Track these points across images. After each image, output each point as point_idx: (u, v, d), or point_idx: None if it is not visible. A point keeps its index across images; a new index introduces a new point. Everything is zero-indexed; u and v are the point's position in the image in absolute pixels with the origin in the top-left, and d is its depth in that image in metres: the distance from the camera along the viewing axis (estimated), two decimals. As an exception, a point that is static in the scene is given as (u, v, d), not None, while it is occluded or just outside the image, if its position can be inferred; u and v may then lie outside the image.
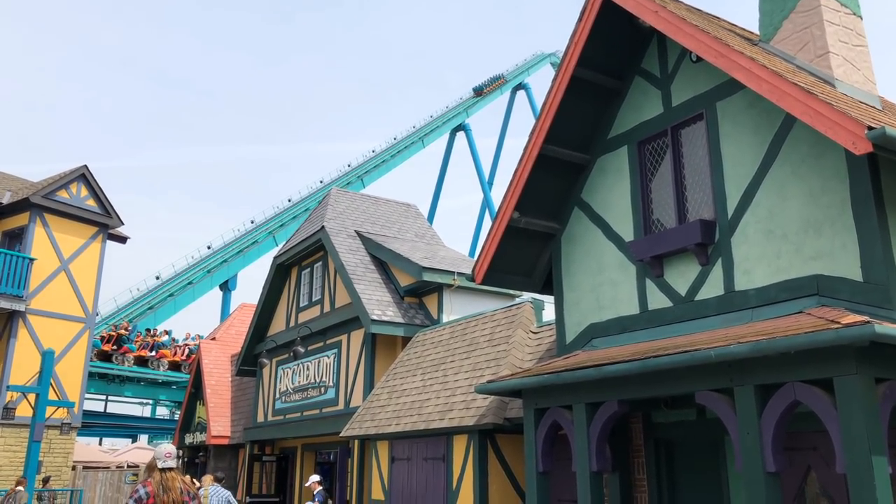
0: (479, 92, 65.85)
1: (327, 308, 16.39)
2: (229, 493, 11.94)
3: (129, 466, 28.17)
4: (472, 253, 55.78)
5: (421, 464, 10.90)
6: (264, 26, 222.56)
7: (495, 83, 66.36)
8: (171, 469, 5.79)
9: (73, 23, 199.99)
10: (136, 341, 35.28)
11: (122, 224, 21.41)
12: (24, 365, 18.28)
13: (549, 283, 9.45)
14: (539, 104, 17.85)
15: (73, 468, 21.24)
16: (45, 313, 19.30)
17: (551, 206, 9.01)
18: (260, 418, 18.77)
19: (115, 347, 34.01)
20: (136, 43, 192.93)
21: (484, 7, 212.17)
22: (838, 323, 5.00)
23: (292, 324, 17.87)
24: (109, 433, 42.01)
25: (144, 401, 41.04)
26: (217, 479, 12.36)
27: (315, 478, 12.76)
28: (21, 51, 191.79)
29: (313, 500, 12.46)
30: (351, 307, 14.86)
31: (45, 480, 15.92)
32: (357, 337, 14.93)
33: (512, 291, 14.46)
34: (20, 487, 13.66)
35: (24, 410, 17.21)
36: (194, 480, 13.02)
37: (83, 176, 20.48)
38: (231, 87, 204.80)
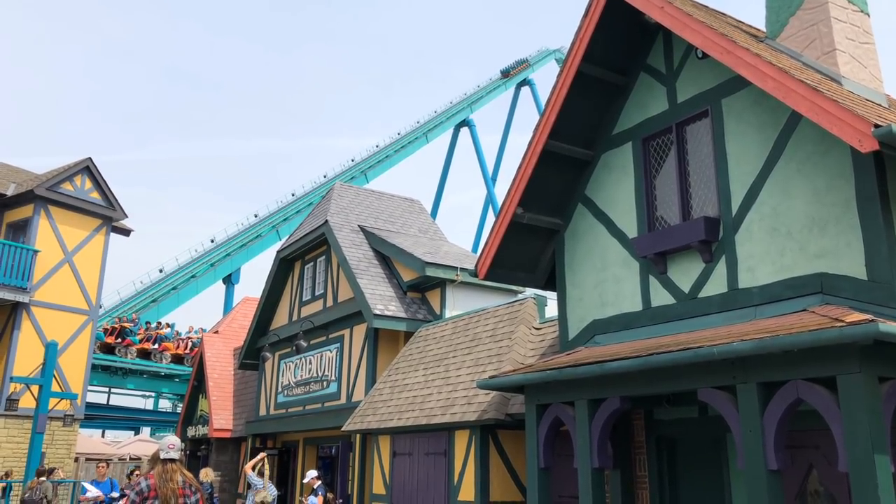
0: (507, 74, 68.52)
1: (330, 302, 16.40)
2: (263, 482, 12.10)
3: (131, 459, 28.24)
4: (475, 249, 55.77)
5: (422, 458, 10.92)
6: (272, 19, 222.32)
7: (521, 66, 69.15)
8: (173, 460, 5.81)
9: (81, 15, 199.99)
10: (140, 334, 35.35)
11: (126, 217, 21.44)
12: (27, 356, 18.33)
13: (552, 279, 9.45)
14: (543, 100, 17.82)
15: (76, 460, 21.29)
16: (48, 305, 19.34)
17: (555, 202, 9.00)
18: (262, 412, 18.81)
19: (118, 340, 34.05)
20: (144, 35, 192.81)
21: (492, 1, 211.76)
22: (842, 321, 4.99)
23: (295, 318, 17.89)
24: (112, 425, 42.09)
25: (147, 393, 41.11)
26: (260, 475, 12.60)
27: (313, 473, 12.78)
28: (29, 43, 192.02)
29: (314, 495, 12.49)
30: (354, 302, 14.87)
31: (51, 472, 16.04)
32: (360, 331, 14.94)
33: (515, 287, 14.43)
34: (43, 478, 13.67)
35: (27, 402, 17.26)
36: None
37: (87, 168, 20.49)
38: (240, 81, 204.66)
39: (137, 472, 14.13)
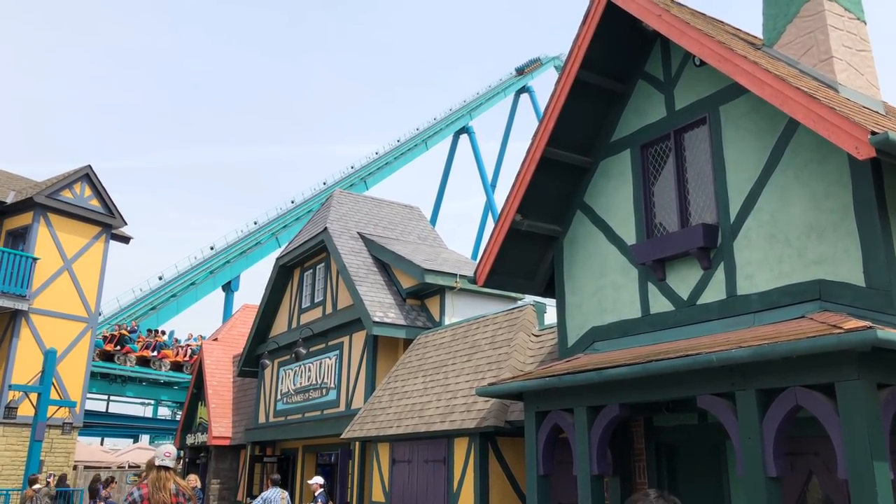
0: (521, 71, 71.54)
1: (329, 309, 16.40)
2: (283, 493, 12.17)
3: (130, 467, 28.17)
4: (474, 255, 55.78)
5: (422, 466, 10.90)
6: (276, 26, 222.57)
7: (534, 64, 72.19)
8: (167, 468, 5.81)
9: (83, 20, 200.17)
10: (139, 341, 35.31)
11: (126, 224, 21.47)
12: (26, 364, 18.32)
13: (551, 285, 9.45)
14: (542, 107, 17.88)
15: (75, 468, 21.25)
16: (47, 313, 19.34)
17: (554, 209, 9.01)
18: (261, 419, 18.78)
19: (117, 347, 34.02)
20: (146, 42, 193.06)
21: (494, 8, 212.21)
22: (840, 328, 4.99)
23: (294, 325, 17.88)
24: (111, 433, 42.02)
25: (146, 401, 41.03)
26: (274, 483, 12.63)
27: (319, 479, 12.78)
28: (30, 49, 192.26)
29: (314, 501, 12.47)
30: (353, 309, 14.87)
31: (62, 478, 16.19)
32: (359, 339, 14.94)
33: (514, 294, 14.46)
34: (37, 486, 13.62)
35: (25, 410, 17.24)
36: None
37: (87, 176, 20.54)
38: (242, 88, 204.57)
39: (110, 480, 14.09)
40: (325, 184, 53.25)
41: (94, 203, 20.72)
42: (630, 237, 8.09)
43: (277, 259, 18.99)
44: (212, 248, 46.28)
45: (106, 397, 37.49)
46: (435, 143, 61.87)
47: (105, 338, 33.97)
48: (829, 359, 5.11)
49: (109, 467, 27.36)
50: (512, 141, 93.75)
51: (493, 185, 69.15)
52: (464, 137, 67.18)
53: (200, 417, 21.82)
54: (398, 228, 18.30)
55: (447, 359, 11.92)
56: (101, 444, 42.43)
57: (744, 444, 5.59)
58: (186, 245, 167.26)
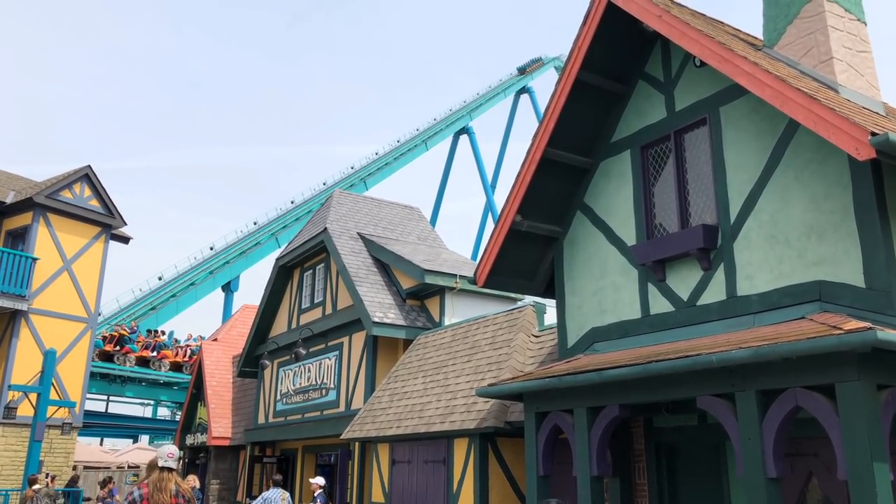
0: (523, 71, 72.40)
1: (329, 310, 16.40)
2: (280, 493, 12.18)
3: (129, 467, 28.18)
4: (474, 256, 55.80)
5: (421, 466, 10.90)
6: (276, 27, 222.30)
7: (535, 64, 73.02)
8: (170, 469, 5.79)
9: (84, 21, 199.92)
10: (138, 342, 35.31)
11: (125, 224, 21.46)
12: (25, 364, 18.31)
13: (551, 286, 9.45)
14: (542, 107, 17.87)
15: (74, 468, 21.24)
16: (47, 313, 19.33)
17: (554, 210, 9.02)
18: (261, 420, 18.78)
19: (116, 347, 34.02)
20: (147, 42, 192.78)
21: (494, 8, 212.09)
22: (840, 329, 5.00)
23: (294, 325, 17.88)
24: (110, 433, 42.02)
25: (146, 401, 41.04)
26: (276, 483, 12.62)
27: (321, 480, 12.79)
28: (31, 50, 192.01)
29: (313, 502, 12.47)
30: (353, 309, 14.87)
31: (73, 480, 16.22)
32: (359, 339, 14.93)
33: (514, 295, 14.46)
34: (37, 486, 13.62)
35: (25, 410, 17.23)
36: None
37: (87, 176, 20.54)
38: (243, 89, 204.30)
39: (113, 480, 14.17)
40: (324, 184, 53.23)
41: (94, 203, 20.71)
42: (630, 238, 8.09)
43: (277, 259, 18.99)
44: (211, 249, 46.28)
45: (105, 397, 37.49)
46: (435, 144, 61.86)
47: (105, 338, 33.97)
48: (829, 360, 5.11)
49: (109, 467, 27.37)
50: (512, 141, 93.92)
51: (493, 186, 69.14)
52: (464, 138, 67.19)
53: (200, 418, 21.82)
54: (398, 229, 18.30)
55: (447, 359, 11.92)
56: (101, 444, 42.45)
57: (744, 444, 5.59)
58: (186, 245, 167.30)
